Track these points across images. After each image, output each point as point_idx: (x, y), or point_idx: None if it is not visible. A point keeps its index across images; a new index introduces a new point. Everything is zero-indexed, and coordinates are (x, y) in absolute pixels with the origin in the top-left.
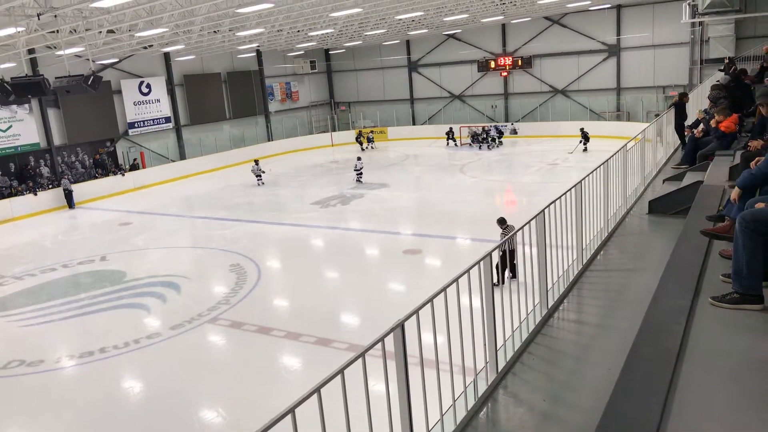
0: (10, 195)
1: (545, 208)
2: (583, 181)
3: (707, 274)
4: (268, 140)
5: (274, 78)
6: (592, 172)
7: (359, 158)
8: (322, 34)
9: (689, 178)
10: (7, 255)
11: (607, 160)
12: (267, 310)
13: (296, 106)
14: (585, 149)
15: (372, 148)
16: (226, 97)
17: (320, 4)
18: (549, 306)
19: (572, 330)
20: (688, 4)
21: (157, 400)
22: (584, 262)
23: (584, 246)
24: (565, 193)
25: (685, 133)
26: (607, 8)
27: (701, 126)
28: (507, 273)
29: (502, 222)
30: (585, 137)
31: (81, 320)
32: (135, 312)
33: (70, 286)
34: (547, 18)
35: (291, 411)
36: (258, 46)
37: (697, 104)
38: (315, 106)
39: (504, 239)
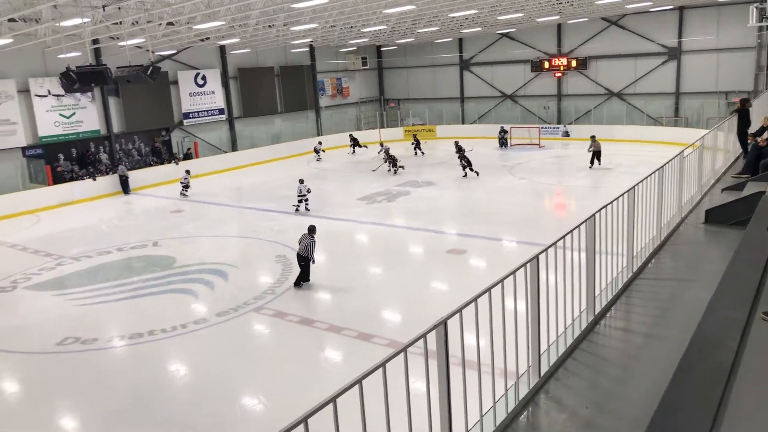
0: (71, 179)
1: (596, 213)
2: (636, 187)
3: (766, 288)
4: (318, 134)
5: (326, 73)
6: (647, 178)
7: (301, 180)
8: (375, 30)
9: (750, 188)
10: (66, 237)
11: (662, 167)
12: (310, 302)
13: (346, 101)
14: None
15: (422, 153)
16: (278, 91)
17: (374, 0)
18: (596, 312)
19: (619, 338)
20: (756, 7)
21: (201, 384)
22: (634, 270)
23: (635, 253)
24: (617, 199)
25: (748, 141)
26: (669, 10)
27: (766, 134)
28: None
29: (311, 230)
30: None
31: (132, 302)
32: (183, 297)
33: (123, 269)
34: (604, 19)
35: (332, 400)
36: (311, 41)
37: (762, 111)
38: (364, 102)
39: None
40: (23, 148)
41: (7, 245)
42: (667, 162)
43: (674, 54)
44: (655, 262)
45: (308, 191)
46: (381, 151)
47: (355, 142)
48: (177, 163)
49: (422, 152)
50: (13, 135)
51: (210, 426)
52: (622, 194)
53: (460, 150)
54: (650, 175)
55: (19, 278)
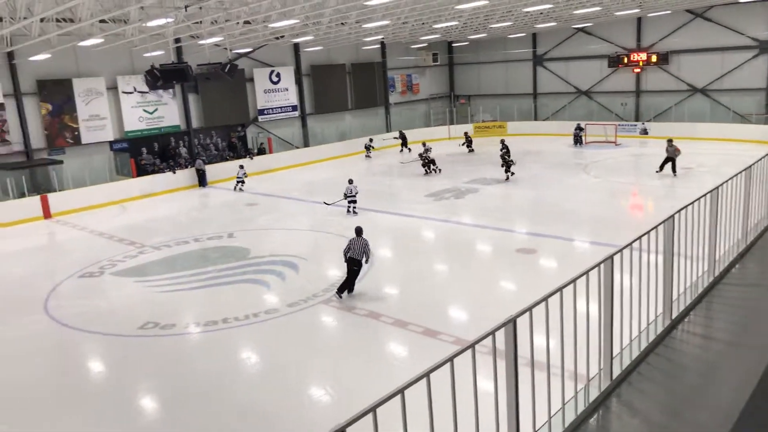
0: (153, 172)
1: (675, 213)
2: (720, 188)
3: None
4: (387, 131)
5: (396, 70)
6: (732, 178)
7: (351, 180)
8: (447, 26)
9: None
10: (147, 227)
11: (750, 166)
12: (377, 297)
13: (416, 98)
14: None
15: (471, 150)
16: (349, 88)
17: None
18: (673, 317)
19: (698, 345)
20: None
21: (270, 371)
22: (716, 275)
23: (717, 257)
24: (698, 199)
25: None
26: (760, 0)
27: None
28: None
29: (358, 232)
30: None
31: (208, 291)
32: (256, 287)
33: (200, 259)
34: (689, 11)
35: (401, 391)
36: (383, 38)
37: None
38: (434, 98)
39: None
40: (110, 142)
41: (96, 233)
42: (756, 161)
43: (766, 47)
44: (739, 267)
45: (357, 193)
46: (425, 151)
47: (404, 140)
48: (252, 158)
49: (472, 149)
50: (102, 130)
51: (277, 413)
52: (705, 194)
53: (506, 149)
54: (736, 174)
55: (106, 264)
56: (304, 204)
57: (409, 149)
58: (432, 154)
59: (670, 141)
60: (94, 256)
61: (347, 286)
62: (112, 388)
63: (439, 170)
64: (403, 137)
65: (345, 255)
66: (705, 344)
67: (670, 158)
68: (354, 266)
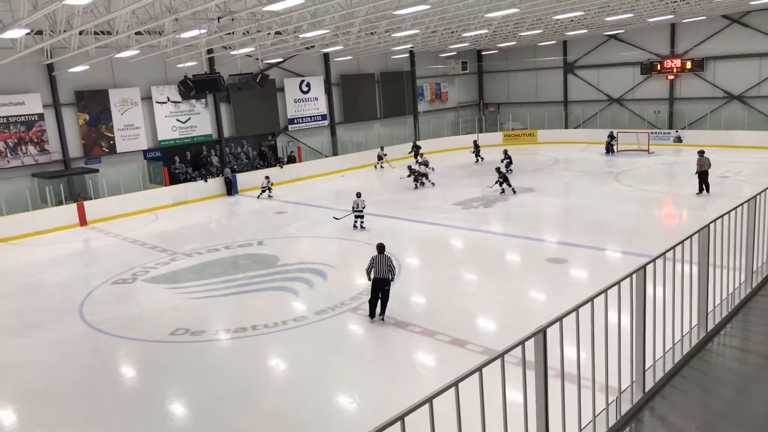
0: (185, 180)
1: (710, 223)
2: (758, 197)
3: None
4: (416, 140)
5: (425, 78)
6: None
7: (359, 194)
8: (476, 35)
9: None
10: (179, 234)
11: None
12: (405, 305)
13: (445, 106)
14: None
15: (481, 159)
16: (378, 97)
17: (476, 4)
18: (708, 329)
19: (735, 358)
20: None
21: (298, 379)
22: (754, 286)
23: (755, 268)
24: (735, 209)
25: None
26: None
27: None
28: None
29: (380, 249)
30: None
31: (237, 298)
32: (285, 295)
33: (230, 266)
34: (725, 17)
35: (429, 400)
36: (411, 47)
37: None
38: (463, 107)
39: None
40: (144, 151)
41: (129, 240)
42: None
43: None
44: None
45: (364, 207)
46: (418, 165)
47: (416, 151)
48: (281, 167)
49: (482, 158)
50: (136, 139)
51: (305, 420)
52: (742, 204)
53: (508, 159)
54: None
55: (138, 271)
56: (333, 212)
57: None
58: (431, 166)
59: (701, 152)
60: (127, 263)
61: (373, 307)
62: (144, 393)
63: (432, 184)
64: (416, 148)
65: (368, 274)
66: (742, 357)
67: (705, 173)
68: (384, 286)
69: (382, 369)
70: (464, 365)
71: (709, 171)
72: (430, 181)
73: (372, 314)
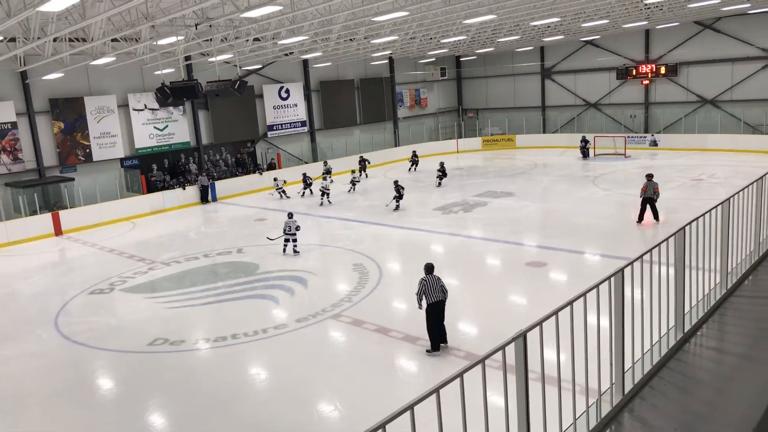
0: (163, 188)
1: (686, 225)
2: (731, 199)
3: None
4: (395, 146)
5: (405, 85)
6: (743, 189)
7: (290, 214)
8: (455, 41)
9: None
10: (158, 242)
11: (762, 177)
12: (386, 311)
13: (424, 112)
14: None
15: (415, 169)
16: (357, 103)
17: (454, 11)
18: (685, 330)
19: (711, 358)
20: None
21: (280, 387)
22: (729, 287)
23: (730, 269)
24: (709, 211)
25: None
26: None
27: None
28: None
29: (429, 269)
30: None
31: (217, 307)
32: (265, 303)
33: (209, 275)
34: (697, 23)
35: (410, 408)
36: (391, 54)
37: None
38: (442, 112)
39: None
40: (121, 159)
41: (106, 250)
42: None
43: None
44: (752, 279)
45: (297, 229)
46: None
47: (363, 165)
48: (261, 174)
49: (415, 169)
50: (113, 147)
51: (288, 429)
52: (716, 206)
53: (443, 171)
54: (748, 186)
55: (116, 281)
56: (313, 219)
57: (364, 176)
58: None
59: (650, 176)
60: (104, 273)
61: (435, 337)
62: (122, 405)
63: (330, 202)
64: (362, 162)
65: (419, 300)
66: (718, 358)
67: (649, 200)
68: (441, 310)
69: (364, 376)
70: (446, 370)
71: (656, 199)
72: (328, 198)
73: (436, 346)
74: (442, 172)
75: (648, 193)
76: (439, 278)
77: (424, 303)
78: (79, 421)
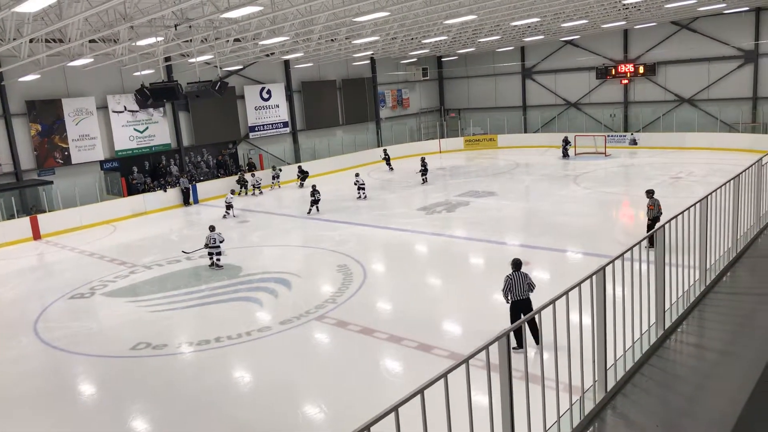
0: (144, 191)
1: (665, 223)
2: (709, 197)
3: None
4: (378, 146)
5: (387, 85)
6: (721, 187)
7: (212, 228)
8: (436, 41)
9: None
10: (139, 245)
11: (738, 175)
12: (371, 312)
13: (406, 112)
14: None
15: (391, 169)
16: (340, 104)
17: (435, 11)
18: (666, 327)
19: (691, 354)
20: None
21: (264, 390)
22: (707, 284)
23: (708, 266)
24: (687, 209)
25: None
26: (745, 11)
27: None
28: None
29: (517, 265)
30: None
31: (200, 310)
32: (248, 305)
33: (192, 278)
34: (674, 23)
35: (395, 409)
36: (372, 54)
37: None
38: (425, 112)
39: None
40: (101, 162)
41: (86, 254)
42: (744, 170)
43: (751, 57)
44: (730, 275)
45: (221, 241)
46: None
47: (303, 176)
48: (242, 175)
49: (391, 168)
50: (92, 149)
51: (273, 431)
52: (694, 204)
53: (425, 166)
54: (725, 183)
55: (96, 285)
56: (296, 220)
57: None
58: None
59: (651, 193)
60: (84, 277)
61: (518, 334)
62: (104, 410)
63: (235, 216)
64: (302, 172)
65: (506, 297)
66: (698, 353)
67: (657, 218)
68: (527, 308)
69: (349, 377)
70: (431, 370)
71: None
72: (232, 213)
73: (520, 343)
74: (424, 168)
75: (655, 212)
76: (526, 275)
77: (510, 299)
78: (61, 427)
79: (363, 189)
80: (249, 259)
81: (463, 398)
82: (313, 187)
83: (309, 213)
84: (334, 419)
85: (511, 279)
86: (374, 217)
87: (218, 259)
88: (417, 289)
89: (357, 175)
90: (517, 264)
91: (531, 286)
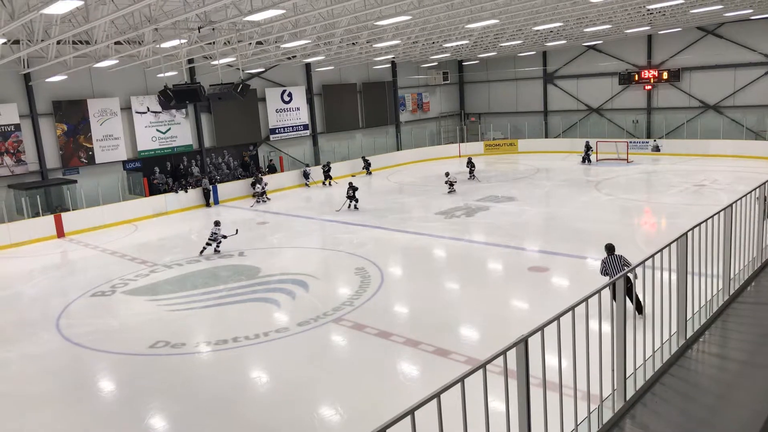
0: (165, 191)
1: (688, 231)
2: (734, 205)
3: None
4: (398, 149)
5: (407, 89)
6: (746, 195)
7: (217, 222)
8: (457, 45)
9: None
10: (159, 245)
11: (764, 183)
12: (388, 315)
13: (426, 116)
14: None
15: (369, 174)
16: (360, 107)
17: (456, 15)
18: (687, 337)
19: (713, 365)
20: None
21: (281, 391)
22: (731, 293)
23: (732, 276)
24: (712, 217)
25: None
26: None
27: None
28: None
29: (610, 249)
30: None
31: (219, 310)
32: (266, 306)
33: (210, 278)
34: (700, 28)
35: (411, 412)
36: (393, 58)
37: None
38: (444, 117)
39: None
40: (124, 162)
41: (108, 252)
42: None
43: None
44: (755, 285)
45: (224, 237)
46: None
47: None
48: (262, 177)
49: (370, 173)
50: (115, 149)
51: None
52: (718, 212)
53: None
54: (751, 191)
55: (117, 283)
56: (315, 222)
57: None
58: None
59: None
60: (105, 275)
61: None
62: (123, 407)
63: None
64: (366, 162)
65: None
66: (721, 364)
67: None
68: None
69: (365, 380)
70: (448, 375)
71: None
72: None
73: (640, 309)
74: (472, 166)
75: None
76: (621, 256)
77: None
78: (81, 422)
79: (453, 185)
80: (268, 260)
81: (479, 404)
82: (350, 183)
83: (350, 208)
84: (349, 421)
85: (606, 263)
86: (392, 221)
87: (218, 246)
88: (435, 294)
89: (447, 174)
90: (610, 248)
91: (627, 267)
